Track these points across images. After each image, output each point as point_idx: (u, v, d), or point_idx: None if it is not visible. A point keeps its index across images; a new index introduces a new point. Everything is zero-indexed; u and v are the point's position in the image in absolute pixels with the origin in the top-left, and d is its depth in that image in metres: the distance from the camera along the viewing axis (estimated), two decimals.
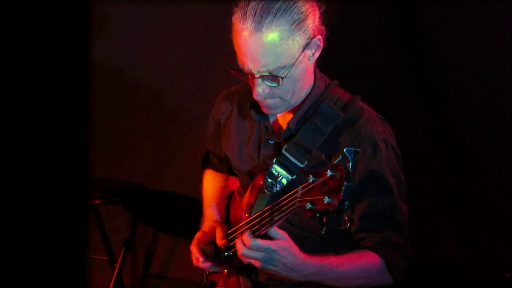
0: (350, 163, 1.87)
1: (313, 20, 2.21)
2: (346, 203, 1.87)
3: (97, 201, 3.59)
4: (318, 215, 1.93)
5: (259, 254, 2.10)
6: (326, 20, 2.27)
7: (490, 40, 2.91)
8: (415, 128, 3.08)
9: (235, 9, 2.21)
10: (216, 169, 2.69)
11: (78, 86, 1.37)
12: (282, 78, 2.19)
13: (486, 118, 2.96)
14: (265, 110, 2.34)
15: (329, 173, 1.89)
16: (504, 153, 2.95)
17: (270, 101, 2.27)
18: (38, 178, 1.33)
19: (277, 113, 2.36)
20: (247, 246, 2.11)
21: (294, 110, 2.33)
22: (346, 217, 1.91)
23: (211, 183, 2.67)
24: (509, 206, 2.98)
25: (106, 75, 3.74)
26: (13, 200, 1.32)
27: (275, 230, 2.10)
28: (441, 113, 3.05)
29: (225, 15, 2.23)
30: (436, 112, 3.06)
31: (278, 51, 2.17)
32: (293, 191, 2.02)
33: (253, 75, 2.22)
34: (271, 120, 2.39)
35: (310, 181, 1.95)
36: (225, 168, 2.64)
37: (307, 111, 2.31)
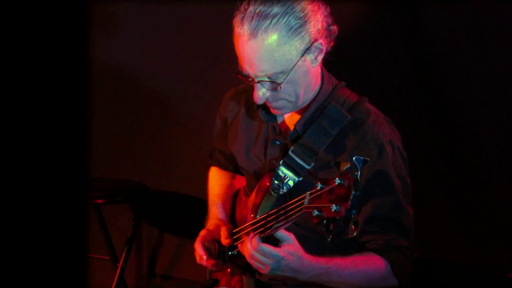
0: (359, 172, 1.86)
1: (313, 24, 2.18)
2: (354, 211, 1.87)
3: (99, 201, 3.59)
4: (324, 222, 1.93)
5: (266, 260, 2.11)
6: (334, 21, 2.26)
7: (494, 42, 2.90)
8: (419, 130, 3.07)
9: (235, 12, 2.20)
10: (222, 167, 2.68)
11: (81, 85, 1.38)
12: (279, 83, 2.19)
13: (489, 120, 2.96)
14: (273, 111, 2.33)
15: (337, 181, 1.89)
16: (506, 154, 2.96)
17: (274, 103, 2.27)
18: (40, 177, 1.34)
19: (285, 113, 2.35)
20: (255, 250, 2.11)
21: (302, 111, 2.32)
22: (352, 226, 1.90)
23: (216, 181, 2.66)
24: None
25: (111, 74, 3.73)
26: (15, 199, 1.32)
27: (282, 233, 2.10)
28: (445, 115, 3.04)
29: (232, 16, 2.22)
30: (441, 114, 3.05)
31: (274, 57, 2.15)
32: (300, 197, 2.02)
33: (252, 79, 2.22)
34: (279, 120, 2.39)
35: (318, 188, 1.95)
36: (231, 166, 2.63)
37: (314, 113, 2.30)
